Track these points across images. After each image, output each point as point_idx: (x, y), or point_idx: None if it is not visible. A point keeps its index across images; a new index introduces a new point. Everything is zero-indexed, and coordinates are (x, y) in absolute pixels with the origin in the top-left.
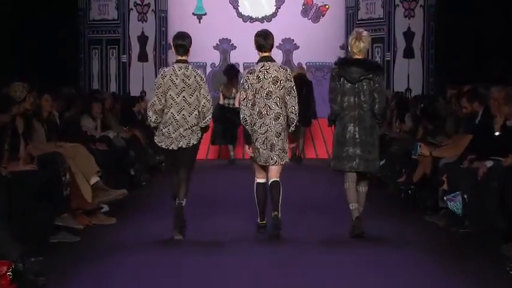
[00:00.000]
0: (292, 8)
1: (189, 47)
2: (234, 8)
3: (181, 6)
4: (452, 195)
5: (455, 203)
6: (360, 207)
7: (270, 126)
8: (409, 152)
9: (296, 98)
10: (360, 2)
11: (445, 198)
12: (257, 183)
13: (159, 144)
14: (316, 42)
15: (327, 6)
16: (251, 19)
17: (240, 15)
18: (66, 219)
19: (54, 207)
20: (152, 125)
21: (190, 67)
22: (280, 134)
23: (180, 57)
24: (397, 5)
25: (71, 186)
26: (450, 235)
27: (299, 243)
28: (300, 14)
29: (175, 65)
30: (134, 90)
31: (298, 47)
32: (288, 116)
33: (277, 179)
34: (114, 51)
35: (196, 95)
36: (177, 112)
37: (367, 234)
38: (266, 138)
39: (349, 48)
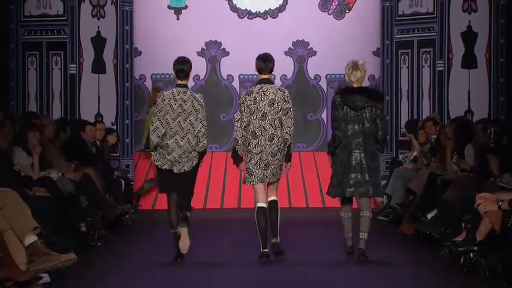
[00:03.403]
0: None
1: (190, 71)
2: None
3: None
4: None
5: None
6: (364, 234)
7: (264, 147)
8: (470, 200)
9: (292, 120)
10: None
11: None
12: (258, 207)
13: (156, 163)
14: (340, 46)
15: None
16: (250, 14)
17: (234, 8)
18: None
19: None
20: (152, 146)
21: (188, 92)
22: (276, 155)
23: (180, 82)
24: None
25: None
26: None
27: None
28: (317, 7)
29: (174, 90)
30: (86, 113)
31: (315, 52)
32: (283, 137)
33: (275, 198)
34: (59, 58)
35: (190, 120)
36: (170, 136)
37: None
38: (260, 158)
39: (346, 78)
